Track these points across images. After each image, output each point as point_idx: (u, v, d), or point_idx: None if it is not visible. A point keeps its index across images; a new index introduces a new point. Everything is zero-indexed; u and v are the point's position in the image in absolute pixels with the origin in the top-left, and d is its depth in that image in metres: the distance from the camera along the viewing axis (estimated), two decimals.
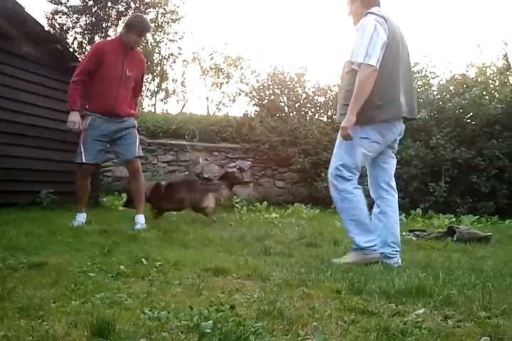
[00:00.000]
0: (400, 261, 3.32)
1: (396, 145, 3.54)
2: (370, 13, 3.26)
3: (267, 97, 10.83)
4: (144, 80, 5.74)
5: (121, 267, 2.65)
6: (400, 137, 3.50)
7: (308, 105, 10.94)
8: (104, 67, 4.70)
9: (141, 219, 4.84)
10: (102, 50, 4.77)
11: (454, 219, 7.37)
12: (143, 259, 2.88)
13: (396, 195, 3.47)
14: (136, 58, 4.99)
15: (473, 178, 8.66)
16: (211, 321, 1.70)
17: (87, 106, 4.83)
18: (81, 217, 4.83)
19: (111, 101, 4.73)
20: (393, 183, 3.47)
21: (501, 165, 8.62)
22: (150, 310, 1.87)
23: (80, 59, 8.05)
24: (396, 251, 3.32)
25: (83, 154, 4.75)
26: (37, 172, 6.40)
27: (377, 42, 3.17)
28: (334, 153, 3.39)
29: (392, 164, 3.50)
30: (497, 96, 9.18)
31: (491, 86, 9.60)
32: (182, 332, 1.67)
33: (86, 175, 4.90)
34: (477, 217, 7.76)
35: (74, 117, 4.72)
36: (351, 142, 3.25)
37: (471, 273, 2.86)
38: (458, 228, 5.00)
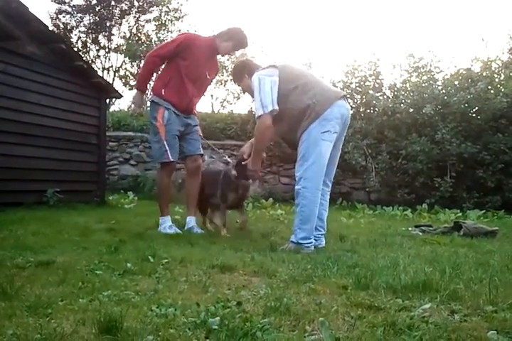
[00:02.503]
0: (324, 242, 3.77)
1: (343, 135, 3.85)
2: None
3: None
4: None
5: (128, 265, 2.66)
6: (347, 124, 3.77)
7: None
8: (188, 61, 4.47)
9: (193, 221, 4.63)
10: (192, 42, 4.51)
11: (460, 214, 7.35)
12: (149, 257, 2.89)
13: (330, 186, 3.86)
14: (216, 64, 4.93)
15: (479, 173, 8.63)
16: (218, 317, 1.71)
17: (162, 93, 4.53)
18: (169, 221, 4.52)
19: (187, 97, 4.56)
20: (331, 176, 3.86)
21: (507, 160, 8.58)
22: (157, 307, 1.88)
23: (83, 58, 8.06)
24: (321, 234, 3.75)
25: (169, 152, 4.46)
26: (43, 172, 6.43)
27: (265, 86, 3.56)
28: (302, 153, 3.60)
29: (336, 161, 3.84)
30: (502, 90, 9.13)
31: (496, 80, 9.55)
32: (189, 329, 1.67)
33: (171, 174, 4.65)
34: (483, 211, 7.73)
35: (138, 98, 4.68)
36: (315, 140, 3.53)
37: (477, 268, 2.85)
38: (464, 223, 4.98)
